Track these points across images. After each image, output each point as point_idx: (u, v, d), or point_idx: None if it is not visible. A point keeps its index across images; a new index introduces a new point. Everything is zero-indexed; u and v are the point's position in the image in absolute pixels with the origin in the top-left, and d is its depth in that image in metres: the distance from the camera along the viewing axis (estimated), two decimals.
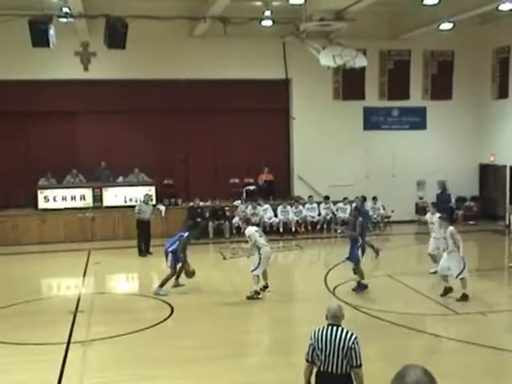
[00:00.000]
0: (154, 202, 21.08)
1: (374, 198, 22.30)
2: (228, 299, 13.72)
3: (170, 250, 14.29)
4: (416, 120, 24.38)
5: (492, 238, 20.62)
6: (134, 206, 19.38)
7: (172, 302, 13.31)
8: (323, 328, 6.35)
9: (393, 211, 22.34)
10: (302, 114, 23.39)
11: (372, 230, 21.11)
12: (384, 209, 22.44)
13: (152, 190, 21.47)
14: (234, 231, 21.45)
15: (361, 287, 13.76)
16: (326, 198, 22.57)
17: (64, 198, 21.19)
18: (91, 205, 21.28)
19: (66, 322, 11.98)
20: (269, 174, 23.13)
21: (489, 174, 24.26)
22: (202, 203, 21.56)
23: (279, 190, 23.25)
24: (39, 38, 16.14)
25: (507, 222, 16.22)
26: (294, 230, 21.84)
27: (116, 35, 16.48)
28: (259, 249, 13.65)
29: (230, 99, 22.77)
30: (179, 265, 14.28)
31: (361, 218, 13.89)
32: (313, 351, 6.31)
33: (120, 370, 9.71)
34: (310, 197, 22.64)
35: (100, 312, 13.01)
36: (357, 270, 13.81)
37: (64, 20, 18.54)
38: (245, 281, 14.44)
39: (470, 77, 23.91)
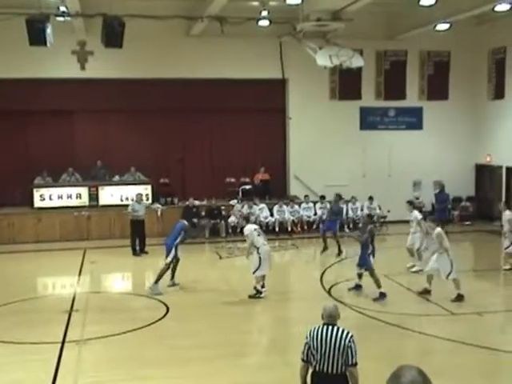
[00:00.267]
0: (149, 201, 21.06)
1: (371, 198, 22.34)
2: (224, 299, 13.72)
3: (175, 243, 14.24)
4: (412, 120, 24.42)
5: (488, 238, 20.65)
6: (130, 204, 19.34)
7: (167, 302, 13.31)
8: (319, 327, 6.36)
9: (389, 211, 22.35)
10: (299, 114, 23.41)
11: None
12: (380, 209, 22.49)
13: (148, 189, 21.46)
14: (230, 231, 21.47)
15: (381, 296, 13.33)
16: (322, 197, 22.56)
17: (60, 197, 21.17)
18: (87, 203, 21.26)
19: (61, 321, 11.98)
20: (265, 173, 23.14)
21: (485, 174, 24.31)
22: (197, 202, 21.55)
23: (275, 190, 23.26)
24: (36, 36, 16.12)
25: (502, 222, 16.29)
26: (289, 229, 21.86)
27: (113, 34, 16.46)
28: (257, 248, 13.60)
29: (227, 99, 22.77)
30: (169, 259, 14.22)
31: (372, 226, 13.83)
32: (308, 350, 6.32)
33: (114, 369, 9.71)
34: (305, 196, 22.66)
35: (95, 311, 13.01)
36: (372, 278, 13.48)
37: (61, 19, 18.52)
38: (241, 280, 14.46)
39: (466, 77, 23.95)
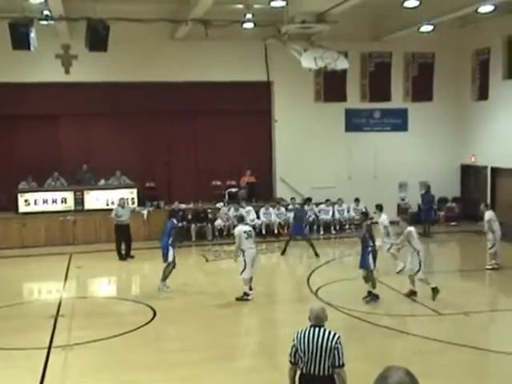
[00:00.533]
0: (135, 204, 20.99)
1: (357, 200, 22.37)
2: (211, 302, 13.69)
3: (170, 242, 14.23)
4: (397, 122, 24.50)
5: (473, 238, 20.72)
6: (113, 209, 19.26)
7: (154, 306, 13.25)
8: (306, 329, 6.34)
9: (375, 212, 22.35)
10: (284, 116, 23.42)
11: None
12: (366, 210, 22.47)
13: (134, 193, 21.37)
14: (217, 234, 21.44)
15: (373, 297, 13.29)
16: (308, 199, 22.57)
17: (45, 202, 21.02)
18: (72, 208, 21.12)
19: (47, 326, 11.89)
20: (251, 176, 23.11)
21: (470, 174, 24.43)
22: (183, 206, 21.50)
23: (261, 192, 23.25)
24: (20, 40, 15.99)
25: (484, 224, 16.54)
26: (276, 231, 21.85)
27: (97, 38, 16.38)
28: (243, 251, 13.62)
29: (212, 101, 22.73)
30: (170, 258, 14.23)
31: (368, 222, 13.78)
32: (295, 352, 6.31)
33: (101, 374, 9.65)
34: (292, 199, 22.62)
35: (81, 316, 12.93)
36: (368, 278, 13.40)
37: (45, 22, 18.41)
38: (228, 283, 14.44)
39: (450, 78, 24.07)
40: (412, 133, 24.43)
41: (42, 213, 20.90)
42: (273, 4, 18.07)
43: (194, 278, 16.14)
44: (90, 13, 16.40)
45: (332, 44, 19.63)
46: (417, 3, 17.72)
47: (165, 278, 14.32)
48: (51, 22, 18.51)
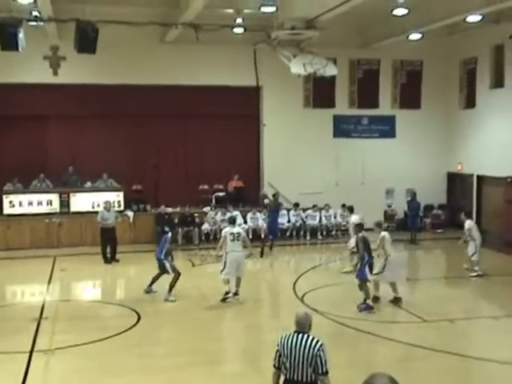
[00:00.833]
0: (121, 207, 20.93)
1: (344, 206, 22.36)
2: (197, 306, 13.66)
3: (162, 257, 14.14)
4: (385, 128, 24.58)
5: (460, 246, 20.80)
6: (99, 212, 19.17)
7: (139, 309, 13.18)
8: (289, 335, 6.32)
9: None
10: (273, 121, 23.43)
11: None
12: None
13: (120, 196, 21.31)
14: (203, 238, 21.39)
15: (366, 307, 13.13)
16: (296, 205, 22.63)
17: (30, 204, 20.89)
18: (58, 210, 21.00)
19: (30, 329, 11.78)
20: (239, 180, 23.09)
21: (456, 182, 24.54)
22: (170, 209, 21.45)
23: (249, 197, 23.22)
24: (8, 41, 15.87)
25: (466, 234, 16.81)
26: (263, 236, 21.80)
27: (86, 40, 16.29)
28: (227, 253, 13.74)
29: (201, 105, 22.69)
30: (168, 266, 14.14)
31: (361, 234, 13.79)
32: (279, 357, 6.29)
33: (83, 379, 9.55)
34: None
35: (64, 319, 12.83)
36: (362, 288, 13.34)
37: (33, 23, 18.30)
38: (214, 287, 14.39)
39: (438, 86, 24.19)
40: (399, 140, 24.50)
41: (27, 215, 20.78)
42: (263, 9, 18.07)
43: (179, 282, 15.99)
44: (80, 14, 16.31)
45: (321, 50, 19.67)
46: (405, 11, 17.80)
47: (171, 288, 14.12)
48: (40, 23, 18.41)
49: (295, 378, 6.17)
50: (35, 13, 17.65)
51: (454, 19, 19.01)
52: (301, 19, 18.55)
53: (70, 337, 11.37)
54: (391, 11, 17.89)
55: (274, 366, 6.36)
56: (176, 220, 21.31)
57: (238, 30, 20.15)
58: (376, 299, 13.64)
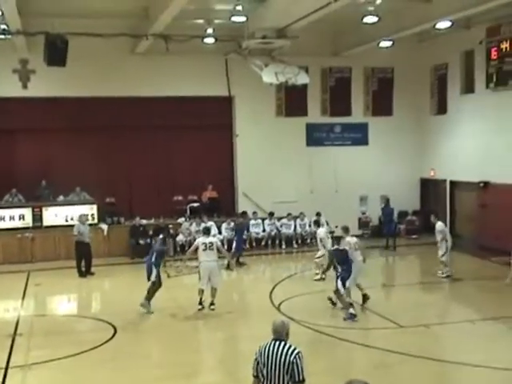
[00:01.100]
0: (95, 220, 20.78)
1: (318, 214, 22.41)
2: (173, 318, 13.58)
3: (153, 261, 14.08)
4: (358, 136, 24.69)
5: (434, 251, 20.85)
6: (74, 226, 18.98)
7: (115, 323, 13.05)
8: (268, 343, 6.31)
9: (336, 226, 22.37)
10: (246, 131, 23.42)
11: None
12: (328, 224, 22.55)
13: (94, 209, 21.12)
14: (178, 249, 21.26)
15: (350, 317, 13.02)
16: (271, 214, 22.63)
17: (2, 219, 20.62)
18: (31, 225, 20.76)
19: (5, 345, 11.61)
20: (213, 190, 23.03)
21: (429, 188, 24.73)
22: (144, 221, 21.34)
23: (223, 207, 23.18)
24: None
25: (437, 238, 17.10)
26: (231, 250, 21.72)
27: (56, 52, 16.22)
28: (200, 263, 13.84)
29: (174, 116, 22.63)
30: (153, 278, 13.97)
31: (329, 246, 13.87)
32: (257, 366, 6.27)
33: None
34: (254, 213, 22.64)
35: (40, 335, 12.67)
36: (339, 299, 13.55)
37: (2, 37, 18.17)
38: (189, 299, 14.31)
39: (409, 93, 24.36)
40: (372, 147, 24.63)
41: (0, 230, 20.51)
42: (233, 19, 18.10)
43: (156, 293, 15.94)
44: (49, 27, 16.23)
45: (293, 59, 19.77)
46: (376, 19, 17.93)
47: (149, 297, 13.98)
48: (8, 37, 18.25)
49: None
50: (3, 26, 17.53)
51: (424, 26, 19.22)
52: (271, 28, 18.63)
53: (45, 352, 11.24)
54: (362, 19, 18.02)
55: (253, 375, 6.34)
56: (150, 231, 21.20)
57: (209, 40, 20.18)
58: (365, 296, 13.83)
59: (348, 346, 11.50)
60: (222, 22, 19.50)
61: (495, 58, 19.76)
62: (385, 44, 21.19)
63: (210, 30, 19.87)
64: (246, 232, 20.88)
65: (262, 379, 6.23)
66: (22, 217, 20.77)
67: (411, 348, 11.01)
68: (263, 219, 22.70)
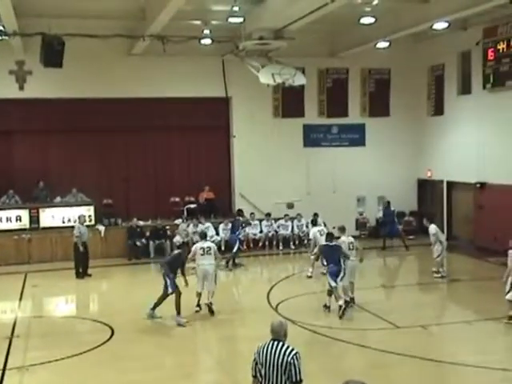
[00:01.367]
0: (92, 222, 20.77)
1: (316, 215, 22.42)
2: (170, 319, 13.53)
3: (166, 273, 13.69)
4: (355, 137, 24.69)
5: (430, 251, 20.96)
6: (71, 227, 18.95)
7: (112, 324, 13.04)
8: (266, 343, 6.32)
9: (334, 227, 22.42)
10: (243, 132, 23.41)
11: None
12: (325, 225, 22.56)
13: (91, 210, 21.10)
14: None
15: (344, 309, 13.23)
16: (268, 215, 22.63)
17: None
18: (28, 226, 20.74)
19: (2, 347, 11.58)
20: (210, 191, 23.03)
21: (426, 189, 24.73)
22: (141, 222, 21.34)
23: (220, 208, 23.17)
24: None
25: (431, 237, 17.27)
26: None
27: (52, 54, 16.21)
28: (198, 266, 13.88)
29: (171, 117, 22.65)
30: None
31: (320, 245, 13.95)
32: (256, 366, 6.29)
33: None
34: (251, 214, 22.63)
35: (37, 336, 12.66)
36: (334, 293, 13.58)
37: None
38: (187, 300, 14.27)
39: (406, 94, 24.36)
40: (369, 148, 24.64)
41: None
42: (230, 20, 18.09)
43: (152, 295, 15.87)
44: (45, 28, 16.22)
45: (289, 60, 19.77)
46: (373, 20, 17.95)
47: (157, 305, 13.63)
48: (5, 38, 18.23)
49: None
50: (0, 27, 17.49)
51: (421, 27, 19.23)
52: (268, 29, 18.63)
53: (43, 353, 11.23)
54: (358, 20, 18.04)
55: (252, 375, 6.35)
56: (148, 233, 21.22)
57: (206, 42, 20.17)
58: (347, 302, 13.66)
59: (345, 346, 11.51)
60: (219, 23, 19.50)
61: (492, 58, 19.82)
62: (381, 45, 21.20)
63: (206, 31, 19.86)
64: (240, 229, 20.65)
65: (260, 379, 6.25)
66: (19, 218, 20.74)
67: (408, 348, 11.02)
68: (260, 220, 22.69)
